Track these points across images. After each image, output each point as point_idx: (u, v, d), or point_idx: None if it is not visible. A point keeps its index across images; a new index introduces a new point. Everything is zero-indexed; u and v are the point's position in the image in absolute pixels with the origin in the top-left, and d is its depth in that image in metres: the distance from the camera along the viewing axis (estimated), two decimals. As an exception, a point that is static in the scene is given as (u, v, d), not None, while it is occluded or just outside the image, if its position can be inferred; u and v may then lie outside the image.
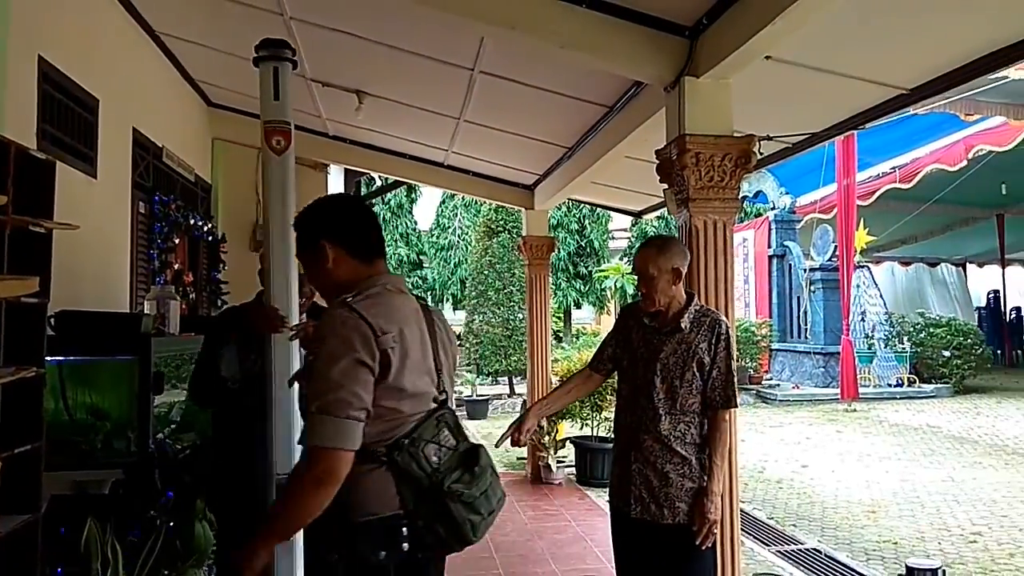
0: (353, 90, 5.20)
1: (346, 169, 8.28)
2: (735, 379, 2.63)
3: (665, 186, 3.57)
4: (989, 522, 5.46)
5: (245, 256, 6.23)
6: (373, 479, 1.66)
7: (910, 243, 21.80)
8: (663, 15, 3.26)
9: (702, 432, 2.63)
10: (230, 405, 2.79)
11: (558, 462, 6.50)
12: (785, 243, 14.34)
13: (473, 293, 12.90)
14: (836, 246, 12.29)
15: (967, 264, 23.96)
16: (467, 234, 17.41)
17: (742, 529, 5.36)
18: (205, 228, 5.29)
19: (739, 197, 3.43)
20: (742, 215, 16.71)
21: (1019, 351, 19.97)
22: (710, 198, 3.32)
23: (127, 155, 4.24)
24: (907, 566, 2.68)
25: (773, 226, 14.53)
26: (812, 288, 13.34)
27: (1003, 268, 20.74)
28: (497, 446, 2.94)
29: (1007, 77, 9.35)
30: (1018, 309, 21.04)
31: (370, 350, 1.62)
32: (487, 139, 5.68)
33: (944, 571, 2.56)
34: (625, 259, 21.94)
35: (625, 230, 22.91)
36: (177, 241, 4.81)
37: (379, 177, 9.39)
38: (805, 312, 13.68)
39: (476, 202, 16.61)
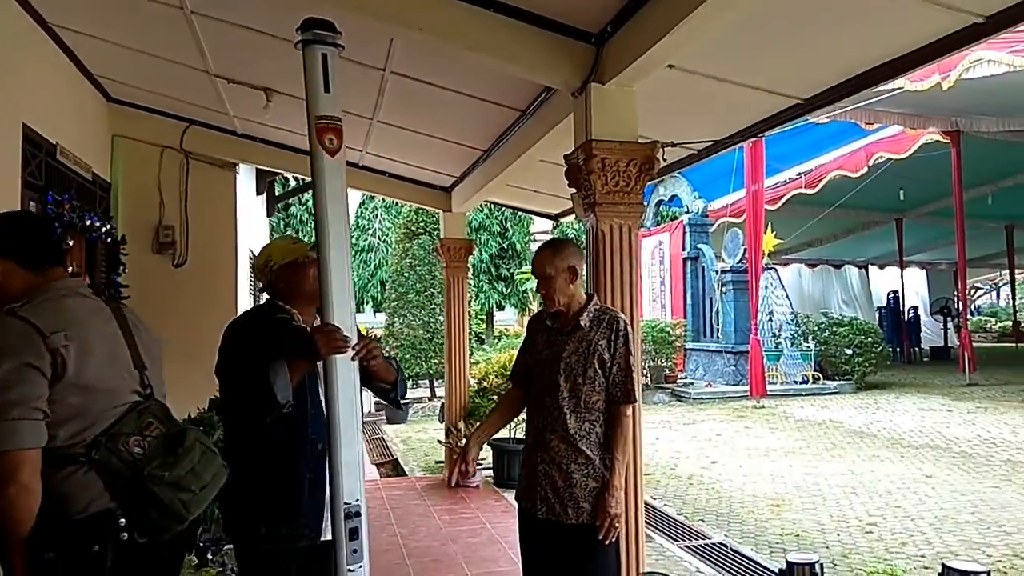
0: (261, 87, 5.06)
1: (257, 169, 8.08)
2: (634, 374, 2.69)
3: (574, 190, 3.63)
4: (884, 513, 5.76)
5: (148, 258, 6.00)
6: (78, 479, 1.77)
7: (816, 246, 22.83)
8: (569, 21, 3.31)
9: (607, 431, 2.69)
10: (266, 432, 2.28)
11: (477, 464, 6.48)
12: (699, 246, 14.78)
13: (393, 295, 12.77)
14: (746, 249, 12.75)
15: (869, 266, 25.25)
16: (387, 236, 17.23)
17: (652, 525, 5.52)
18: (103, 229, 5.05)
19: (643, 202, 3.52)
20: (659, 218, 17.13)
21: (916, 348, 21.13)
22: (616, 203, 3.38)
23: (16, 152, 4.00)
24: (787, 561, 2.78)
25: (687, 229, 14.95)
26: (723, 289, 13.79)
27: (902, 270, 21.94)
28: (450, 485, 2.94)
29: (903, 88, 9.92)
30: (915, 309, 22.28)
31: (37, 352, 1.70)
32: (402, 140, 5.64)
33: (821, 565, 2.66)
34: (546, 261, 22.10)
35: (547, 233, 23.15)
36: (72, 243, 4.57)
37: (293, 178, 9.19)
38: (717, 312, 14.13)
39: (397, 203, 16.46)
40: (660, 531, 5.39)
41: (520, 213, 18.11)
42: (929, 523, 5.45)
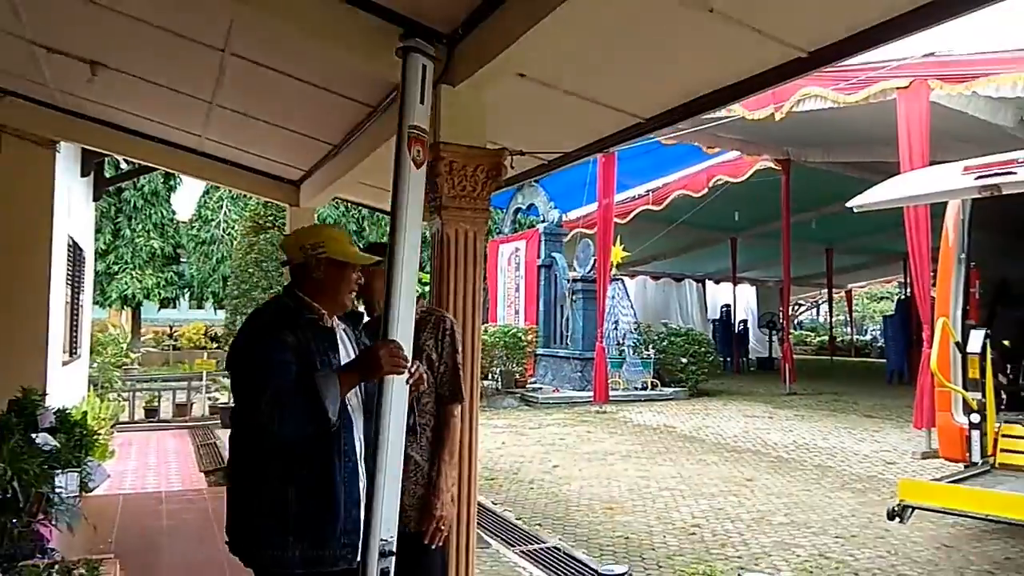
0: (87, 60, 4.62)
1: (83, 149, 7.39)
2: (461, 374, 2.67)
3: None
4: (707, 515, 6.09)
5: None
6: None
7: (660, 260, 24.10)
8: (420, 18, 3.24)
9: (436, 433, 2.64)
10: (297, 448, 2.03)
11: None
12: (552, 254, 15.12)
13: (236, 292, 12.12)
14: (596, 259, 13.18)
15: (706, 280, 26.98)
16: (233, 228, 16.35)
17: (490, 530, 5.53)
18: None
19: (490, 208, 3.51)
20: (516, 226, 17.38)
21: (745, 359, 22.76)
22: (462, 207, 3.35)
23: None
24: (599, 572, 2.85)
25: (543, 238, 15.26)
26: (574, 297, 14.19)
27: (734, 285, 23.58)
28: None
29: (740, 116, 10.66)
30: (745, 322, 24.00)
31: None
32: (246, 128, 5.34)
33: (631, 574, 2.75)
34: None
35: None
36: None
37: (126, 160, 8.50)
38: (567, 320, 14.51)
39: (244, 195, 15.65)
40: (498, 536, 5.40)
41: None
42: (747, 524, 5.82)
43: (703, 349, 14.78)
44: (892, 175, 7.71)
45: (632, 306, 15.26)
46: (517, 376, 14.25)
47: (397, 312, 2.15)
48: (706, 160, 16.14)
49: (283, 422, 1.95)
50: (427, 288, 3.77)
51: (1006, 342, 5.56)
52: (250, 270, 12.04)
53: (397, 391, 2.12)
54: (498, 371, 13.94)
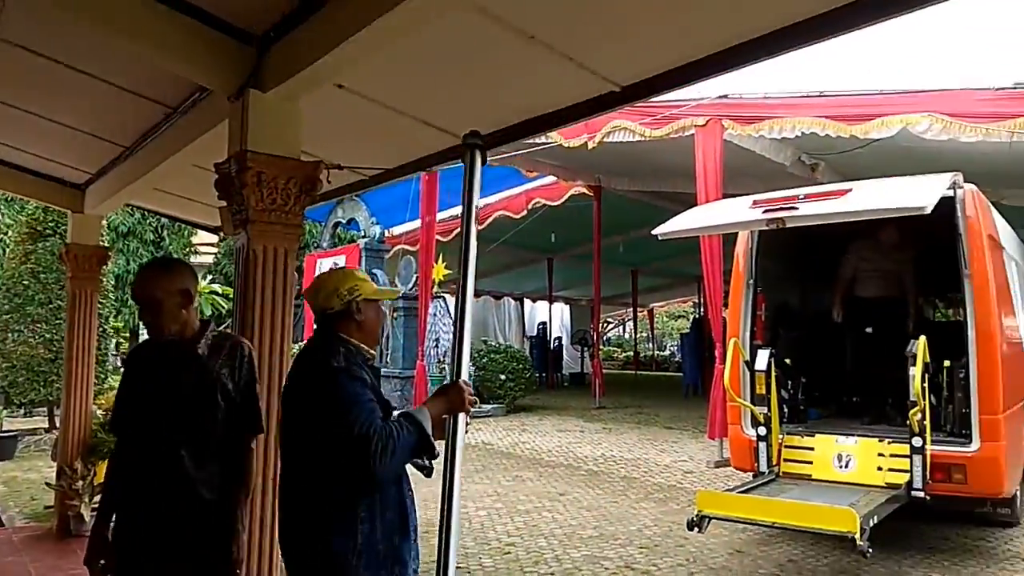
0: None
1: None
2: (259, 402, 2.48)
3: (223, 203, 3.28)
4: (522, 532, 6.16)
5: None
6: None
7: (481, 278, 24.49)
8: (229, 18, 3.01)
9: (230, 468, 2.43)
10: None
11: (93, 510, 5.56)
12: (374, 271, 14.80)
13: (8, 306, 10.66)
14: (418, 277, 13.08)
15: (524, 299, 27.77)
16: (6, 234, 14.45)
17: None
18: None
19: (303, 224, 3.31)
20: (335, 240, 16.86)
21: (559, 374, 23.62)
22: (272, 222, 3.13)
23: None
24: None
25: (363, 253, 14.93)
26: (395, 315, 13.98)
27: (550, 304, 24.48)
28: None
29: (557, 143, 11.08)
30: (559, 339, 24.95)
31: None
32: (17, 122, 4.69)
33: None
34: (211, 277, 20.47)
35: (213, 245, 21.49)
36: None
37: None
38: (388, 337, 14.25)
39: (21, 198, 13.87)
40: (308, 570, 5.10)
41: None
42: (559, 540, 5.94)
43: (521, 366, 15.11)
44: (691, 205, 8.34)
45: (453, 324, 15.29)
46: (333, 396, 13.76)
47: (465, 353, 2.36)
48: (525, 183, 16.65)
49: (388, 457, 2.04)
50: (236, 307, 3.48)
51: (787, 360, 6.14)
52: (25, 281, 10.63)
53: (462, 425, 2.30)
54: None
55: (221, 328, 2.59)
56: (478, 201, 2.55)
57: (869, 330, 6.10)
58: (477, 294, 26.00)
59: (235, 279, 3.17)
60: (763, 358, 5.59)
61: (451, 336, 13.92)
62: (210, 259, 21.28)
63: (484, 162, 2.55)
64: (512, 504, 7.11)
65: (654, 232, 5.51)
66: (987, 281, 5.13)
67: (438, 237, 18.65)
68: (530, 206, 16.85)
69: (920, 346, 4.85)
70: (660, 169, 12.77)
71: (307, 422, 2.16)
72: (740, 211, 5.26)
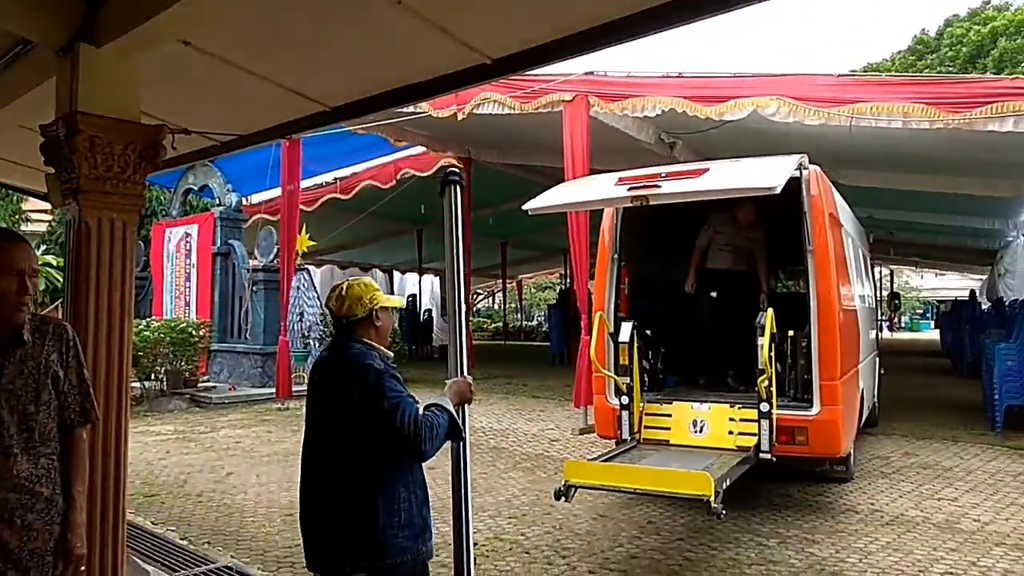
0: None
1: None
2: (90, 389, 2.28)
3: (51, 170, 2.94)
4: (390, 508, 6.08)
5: None
6: None
7: (348, 248, 23.89)
8: (54, -38, 2.66)
9: (66, 461, 2.22)
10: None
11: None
12: (230, 241, 14.05)
13: None
14: (279, 248, 12.52)
15: (394, 270, 27.40)
16: None
17: (149, 556, 4.90)
18: None
19: (144, 193, 3.03)
20: (186, 208, 15.82)
21: (429, 346, 23.54)
22: (108, 191, 2.84)
23: None
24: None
25: (218, 223, 14.09)
26: (254, 288, 13.34)
27: (420, 275, 24.28)
28: None
29: (427, 113, 10.88)
30: (430, 311, 24.80)
31: None
32: None
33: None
34: (44, 247, 18.76)
35: (47, 212, 19.60)
36: None
37: None
38: (247, 312, 13.60)
39: None
40: (158, 562, 4.80)
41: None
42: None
43: (391, 339, 14.89)
44: (559, 180, 8.44)
45: (319, 297, 14.80)
46: (187, 375, 12.99)
47: (461, 352, 2.87)
48: (394, 152, 16.30)
49: (434, 441, 2.48)
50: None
51: (648, 332, 6.37)
52: None
53: (467, 412, 2.79)
54: (163, 371, 12.58)
55: (53, 306, 2.33)
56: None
57: (713, 295, 6.43)
58: (344, 265, 25.40)
59: (66, 254, 2.86)
60: (626, 331, 5.77)
61: (316, 310, 13.50)
62: (43, 227, 19.47)
63: (463, 192, 2.94)
64: (380, 481, 7.01)
65: (524, 207, 5.52)
66: (827, 256, 5.52)
67: (302, 207, 18.06)
68: (399, 176, 16.52)
69: (768, 318, 5.16)
70: (529, 143, 12.86)
71: (357, 419, 2.48)
72: (606, 188, 5.36)
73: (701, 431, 5.64)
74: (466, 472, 2.73)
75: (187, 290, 14.78)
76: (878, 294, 15.41)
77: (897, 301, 12.72)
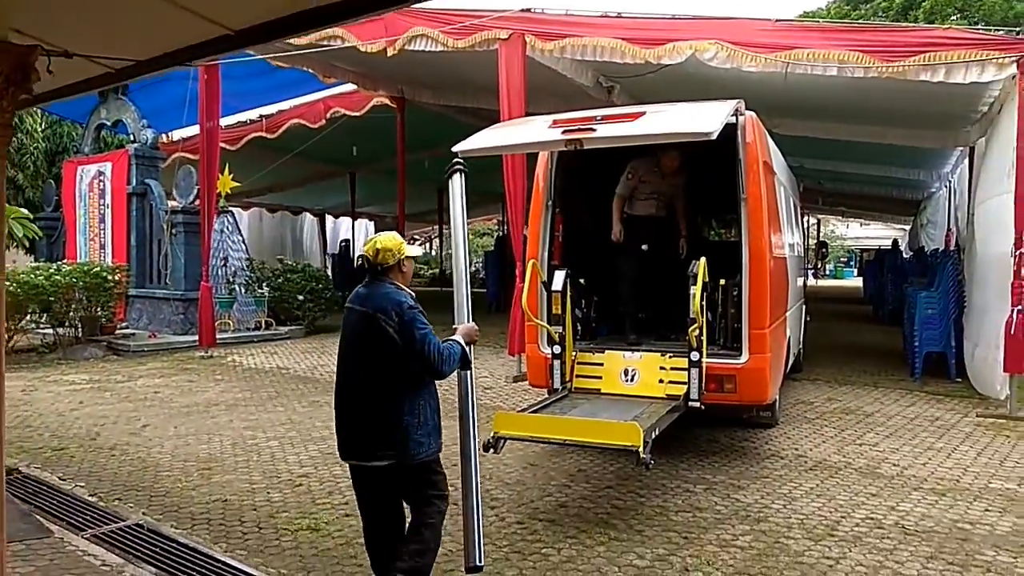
0: None
1: None
2: None
3: None
4: (316, 461, 5.90)
5: None
6: None
7: (277, 192, 23.01)
8: None
9: None
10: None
11: None
12: (147, 181, 13.28)
13: None
14: (199, 189, 11.89)
15: (326, 214, 26.61)
16: None
17: (53, 514, 4.61)
18: None
19: (11, 124, 2.67)
20: (99, 145, 14.86)
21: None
22: (-34, 120, 2.47)
23: None
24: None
25: (133, 161, 13.27)
26: (174, 231, 12.69)
27: (353, 220, 23.69)
28: None
29: (354, 46, 10.32)
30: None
31: None
32: None
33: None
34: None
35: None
36: None
37: None
38: (166, 256, 12.96)
39: None
40: (63, 520, 4.53)
41: None
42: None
43: (320, 285, 14.49)
44: (495, 122, 8.15)
45: (244, 241, 14.22)
46: (104, 322, 12.38)
47: (467, 305, 3.71)
48: (323, 89, 15.59)
49: (450, 365, 3.32)
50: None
51: (582, 280, 6.26)
52: None
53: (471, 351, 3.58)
54: (77, 317, 11.95)
55: None
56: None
57: (645, 248, 6.32)
58: (272, 208, 24.53)
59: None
60: (559, 279, 5.63)
61: (242, 254, 12.93)
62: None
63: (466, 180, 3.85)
64: (307, 432, 6.80)
65: (454, 149, 5.25)
66: (760, 204, 5.46)
67: (224, 145, 17.21)
68: (329, 115, 15.86)
69: (700, 267, 5.09)
70: (465, 83, 12.44)
71: (392, 342, 3.19)
72: (540, 131, 5.14)
73: (632, 380, 5.60)
74: (472, 395, 3.63)
75: (102, 232, 13.99)
76: (806, 242, 15.73)
77: (824, 250, 13.01)
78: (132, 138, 13.77)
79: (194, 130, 18.20)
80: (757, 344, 5.47)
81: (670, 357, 5.55)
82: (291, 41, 10.38)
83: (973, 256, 9.10)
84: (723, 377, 5.47)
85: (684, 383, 5.31)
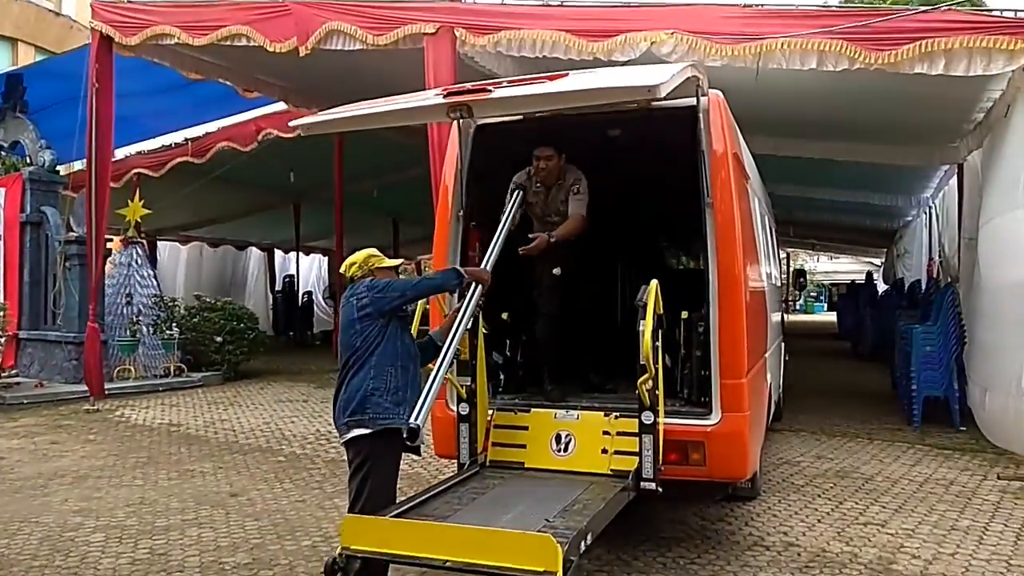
0: None
1: None
2: None
3: None
4: (143, 563, 4.36)
5: None
6: None
7: (220, 223, 21.41)
8: None
9: None
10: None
11: None
12: (43, 208, 11.68)
13: None
14: (86, 214, 10.31)
15: (275, 249, 24.92)
16: None
17: None
18: None
19: None
20: (2, 169, 13.18)
21: (310, 332, 21.47)
22: None
23: None
24: None
25: (27, 186, 11.69)
26: (68, 264, 11.08)
27: (297, 254, 22.10)
28: None
29: (260, 46, 8.85)
30: (309, 293, 22.72)
31: None
32: None
33: None
34: None
35: None
36: None
37: None
38: (58, 294, 11.32)
39: None
40: None
41: None
42: (197, 572, 4.23)
43: (243, 325, 12.85)
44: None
45: (154, 276, 12.63)
46: (-16, 369, 10.69)
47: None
48: (252, 109, 14.20)
49: (427, 281, 4.06)
50: None
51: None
52: None
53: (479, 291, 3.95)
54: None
55: None
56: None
57: (557, 272, 4.71)
58: (215, 243, 22.86)
59: None
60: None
61: (150, 290, 11.28)
62: None
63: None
64: (155, 516, 5.24)
65: (292, 124, 3.86)
66: (732, 211, 4.11)
67: (146, 171, 15.69)
68: (260, 138, 14.36)
69: (650, 293, 3.69)
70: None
71: (359, 311, 3.55)
72: (414, 99, 3.76)
73: (566, 449, 4.15)
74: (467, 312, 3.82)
75: (-6, 267, 12.30)
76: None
77: (803, 279, 11.75)
78: (28, 160, 12.18)
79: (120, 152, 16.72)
80: (732, 398, 4.07)
81: (617, 418, 4.12)
82: (191, 43, 9.06)
83: (976, 286, 7.84)
84: (687, 444, 4.05)
85: (635, 453, 3.88)
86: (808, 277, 41.83)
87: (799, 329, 23.20)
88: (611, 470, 3.99)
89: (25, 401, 9.98)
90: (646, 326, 3.55)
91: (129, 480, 6.23)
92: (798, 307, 42.09)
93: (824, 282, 44.25)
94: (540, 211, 4.89)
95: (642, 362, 3.60)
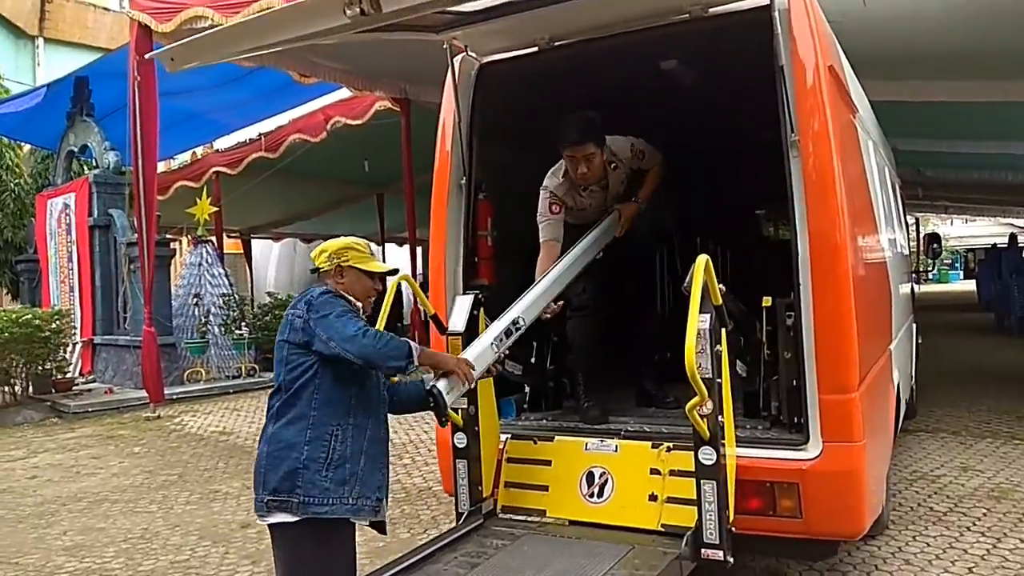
0: None
1: None
2: None
3: None
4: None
5: None
6: None
7: (306, 219, 21.31)
8: None
9: None
10: None
11: None
12: (110, 211, 11.53)
13: None
14: (135, 212, 9.96)
15: (370, 241, 24.58)
16: None
17: None
18: None
19: None
20: (71, 174, 13.16)
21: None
22: None
23: None
24: None
25: (93, 189, 11.56)
26: (133, 267, 10.85)
27: (383, 245, 21.62)
28: None
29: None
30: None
31: None
32: None
33: None
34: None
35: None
36: None
37: None
38: (125, 296, 11.13)
39: None
40: None
41: None
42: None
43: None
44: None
45: (226, 275, 12.29)
46: (57, 377, 10.61)
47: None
48: (319, 96, 13.66)
49: (381, 348, 2.40)
50: None
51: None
52: None
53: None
54: (21, 373, 10.21)
55: None
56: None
57: (599, 255, 3.62)
58: (307, 238, 22.78)
59: None
60: (462, 311, 3.17)
61: (220, 290, 10.89)
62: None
63: None
64: (142, 557, 4.54)
65: (148, 56, 2.91)
66: (828, 152, 2.84)
67: (224, 170, 15.50)
68: (330, 127, 13.79)
69: (696, 275, 2.50)
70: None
71: (298, 336, 2.47)
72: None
73: (600, 494, 3.04)
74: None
75: (71, 272, 12.33)
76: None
77: (937, 246, 9.95)
78: (95, 163, 12.08)
79: (185, 154, 16.66)
80: (838, 421, 2.83)
81: (669, 450, 2.97)
82: (158, 29, 8.53)
83: None
84: (774, 487, 2.85)
85: (696, 502, 2.73)
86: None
87: (933, 301, 20.78)
88: (662, 525, 2.85)
89: (90, 410, 9.75)
90: (690, 325, 2.38)
91: (144, 505, 5.60)
92: (931, 276, 38.46)
93: (958, 248, 40.35)
94: (597, 208, 3.80)
95: (688, 372, 2.44)
